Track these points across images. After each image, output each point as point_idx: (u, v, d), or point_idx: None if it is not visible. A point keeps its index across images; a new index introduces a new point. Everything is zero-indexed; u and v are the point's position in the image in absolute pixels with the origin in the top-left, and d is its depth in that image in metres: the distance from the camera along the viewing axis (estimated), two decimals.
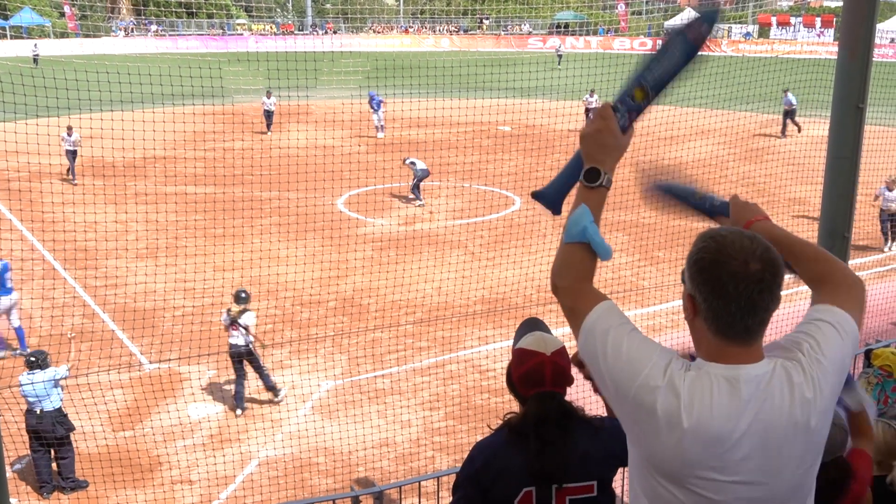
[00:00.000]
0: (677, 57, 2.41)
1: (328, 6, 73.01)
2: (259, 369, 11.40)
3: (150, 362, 12.62)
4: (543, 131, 27.19)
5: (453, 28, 74.89)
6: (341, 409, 11.31)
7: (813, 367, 2.09)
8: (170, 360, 12.49)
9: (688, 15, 2.58)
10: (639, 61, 2.46)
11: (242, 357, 11.23)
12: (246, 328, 11.17)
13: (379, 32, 71.49)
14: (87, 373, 11.54)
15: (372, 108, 30.58)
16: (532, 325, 3.30)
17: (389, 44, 65.16)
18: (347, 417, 11.08)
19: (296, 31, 67.09)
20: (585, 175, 2.33)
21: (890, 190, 17.89)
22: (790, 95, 30.21)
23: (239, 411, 11.25)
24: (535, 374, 3.03)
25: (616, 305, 2.21)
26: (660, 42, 2.48)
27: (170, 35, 65.88)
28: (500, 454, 2.99)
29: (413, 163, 21.45)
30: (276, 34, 64.33)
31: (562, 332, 3.22)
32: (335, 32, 68.87)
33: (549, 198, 2.55)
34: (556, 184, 2.55)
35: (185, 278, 14.65)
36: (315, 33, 66.07)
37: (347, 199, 22.00)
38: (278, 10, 76.67)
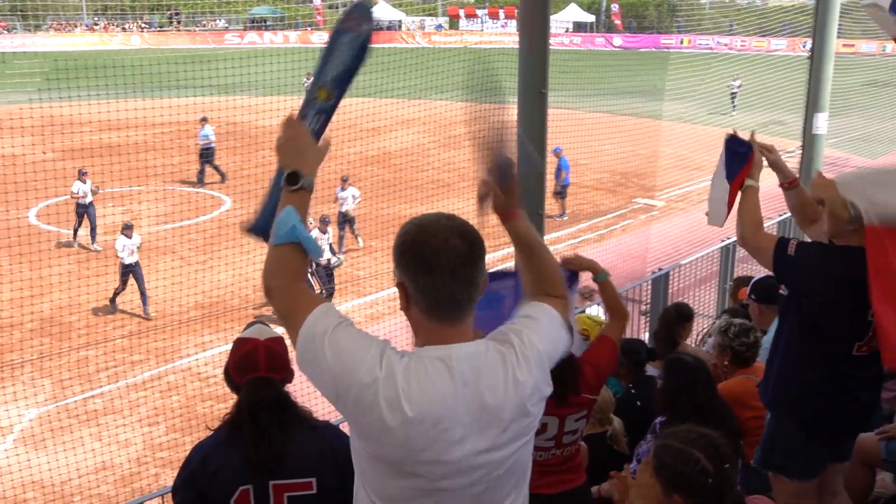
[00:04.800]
0: (346, 51, 2.47)
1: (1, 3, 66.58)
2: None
3: None
4: (247, 128, 26.71)
5: (144, 24, 71.28)
6: (50, 438, 10.47)
7: (526, 350, 2.18)
8: None
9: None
10: (316, 62, 2.48)
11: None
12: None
13: (60, 30, 66.42)
14: None
15: None
16: (255, 324, 3.25)
17: (73, 42, 60.67)
18: (58, 445, 10.27)
19: None
20: (287, 179, 2.31)
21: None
22: (207, 128, 23.06)
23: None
24: (249, 360, 2.97)
25: (332, 306, 2.21)
26: (327, 37, 2.51)
27: None
28: (216, 453, 2.89)
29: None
30: None
31: None
32: (9, 31, 63.07)
33: (261, 228, 2.47)
34: (264, 212, 2.50)
35: None
36: None
37: (39, 211, 20.31)
38: None
